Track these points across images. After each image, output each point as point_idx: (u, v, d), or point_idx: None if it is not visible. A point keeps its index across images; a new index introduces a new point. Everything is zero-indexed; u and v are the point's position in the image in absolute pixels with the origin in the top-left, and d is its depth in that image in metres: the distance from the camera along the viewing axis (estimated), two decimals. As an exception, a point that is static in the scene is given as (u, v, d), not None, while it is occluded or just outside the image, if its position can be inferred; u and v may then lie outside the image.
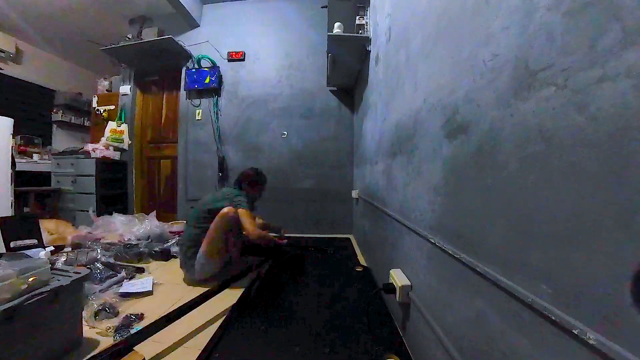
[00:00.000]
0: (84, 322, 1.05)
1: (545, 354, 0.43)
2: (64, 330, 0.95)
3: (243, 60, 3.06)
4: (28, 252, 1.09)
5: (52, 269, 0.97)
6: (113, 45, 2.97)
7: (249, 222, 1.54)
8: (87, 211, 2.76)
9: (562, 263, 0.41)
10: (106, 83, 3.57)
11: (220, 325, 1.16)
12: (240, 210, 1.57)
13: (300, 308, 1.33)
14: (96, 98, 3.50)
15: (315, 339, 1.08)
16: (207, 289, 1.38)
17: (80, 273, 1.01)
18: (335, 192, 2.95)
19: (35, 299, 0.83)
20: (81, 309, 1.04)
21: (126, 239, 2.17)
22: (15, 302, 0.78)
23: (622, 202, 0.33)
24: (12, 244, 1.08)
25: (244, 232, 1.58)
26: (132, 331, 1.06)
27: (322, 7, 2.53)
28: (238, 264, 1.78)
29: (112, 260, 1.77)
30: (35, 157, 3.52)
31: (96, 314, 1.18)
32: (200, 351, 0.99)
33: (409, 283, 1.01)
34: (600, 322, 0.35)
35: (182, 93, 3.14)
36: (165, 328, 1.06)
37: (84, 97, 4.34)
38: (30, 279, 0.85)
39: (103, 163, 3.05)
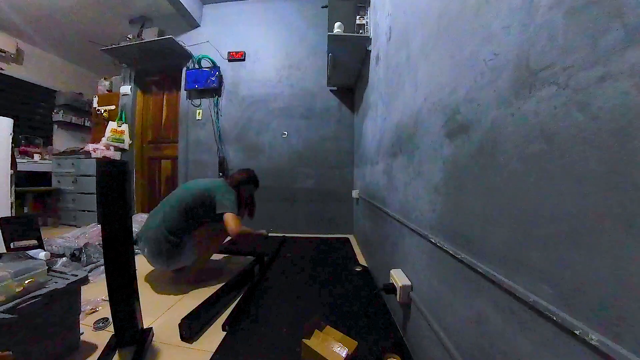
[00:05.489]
0: (81, 325, 1.03)
1: (547, 355, 0.43)
2: (60, 333, 0.93)
3: (243, 60, 3.06)
4: (28, 253, 1.08)
5: (49, 270, 0.96)
6: (114, 46, 2.97)
7: (233, 223, 1.55)
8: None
9: (563, 263, 0.40)
10: (107, 83, 3.57)
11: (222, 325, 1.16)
12: (226, 215, 1.56)
13: (300, 308, 1.32)
14: (97, 98, 3.50)
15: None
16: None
17: (77, 275, 0.98)
18: (336, 192, 2.94)
19: (30, 301, 0.81)
20: (79, 312, 1.01)
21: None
22: (9, 305, 0.76)
23: (624, 202, 0.33)
24: (12, 245, 1.08)
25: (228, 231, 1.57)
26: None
27: (322, 7, 2.53)
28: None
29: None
30: (36, 157, 3.52)
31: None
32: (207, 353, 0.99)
33: (409, 283, 1.01)
34: (603, 323, 0.34)
35: (183, 93, 3.14)
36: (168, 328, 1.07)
37: (84, 97, 4.35)
38: (27, 281, 0.83)
39: (103, 163, 3.05)
